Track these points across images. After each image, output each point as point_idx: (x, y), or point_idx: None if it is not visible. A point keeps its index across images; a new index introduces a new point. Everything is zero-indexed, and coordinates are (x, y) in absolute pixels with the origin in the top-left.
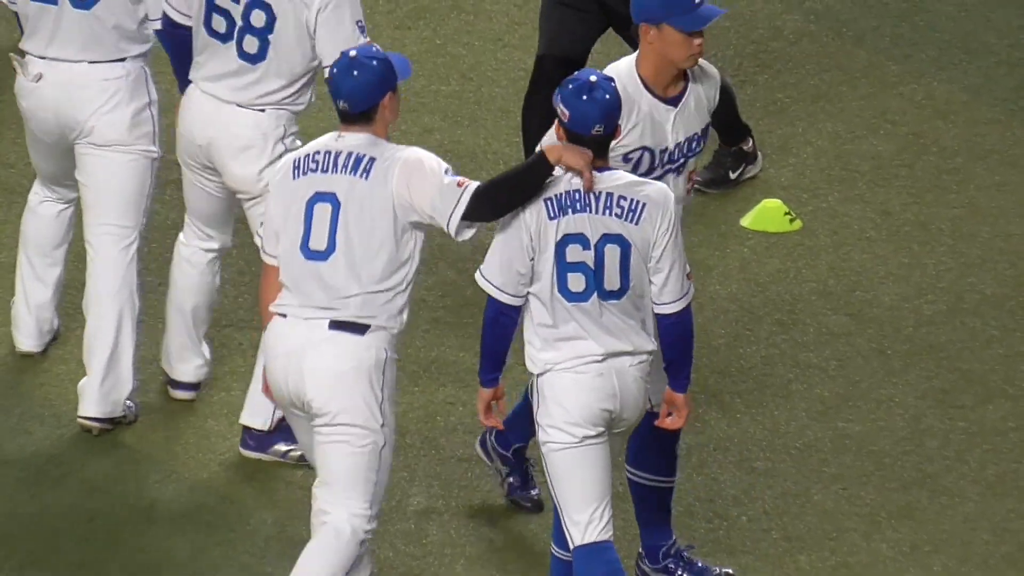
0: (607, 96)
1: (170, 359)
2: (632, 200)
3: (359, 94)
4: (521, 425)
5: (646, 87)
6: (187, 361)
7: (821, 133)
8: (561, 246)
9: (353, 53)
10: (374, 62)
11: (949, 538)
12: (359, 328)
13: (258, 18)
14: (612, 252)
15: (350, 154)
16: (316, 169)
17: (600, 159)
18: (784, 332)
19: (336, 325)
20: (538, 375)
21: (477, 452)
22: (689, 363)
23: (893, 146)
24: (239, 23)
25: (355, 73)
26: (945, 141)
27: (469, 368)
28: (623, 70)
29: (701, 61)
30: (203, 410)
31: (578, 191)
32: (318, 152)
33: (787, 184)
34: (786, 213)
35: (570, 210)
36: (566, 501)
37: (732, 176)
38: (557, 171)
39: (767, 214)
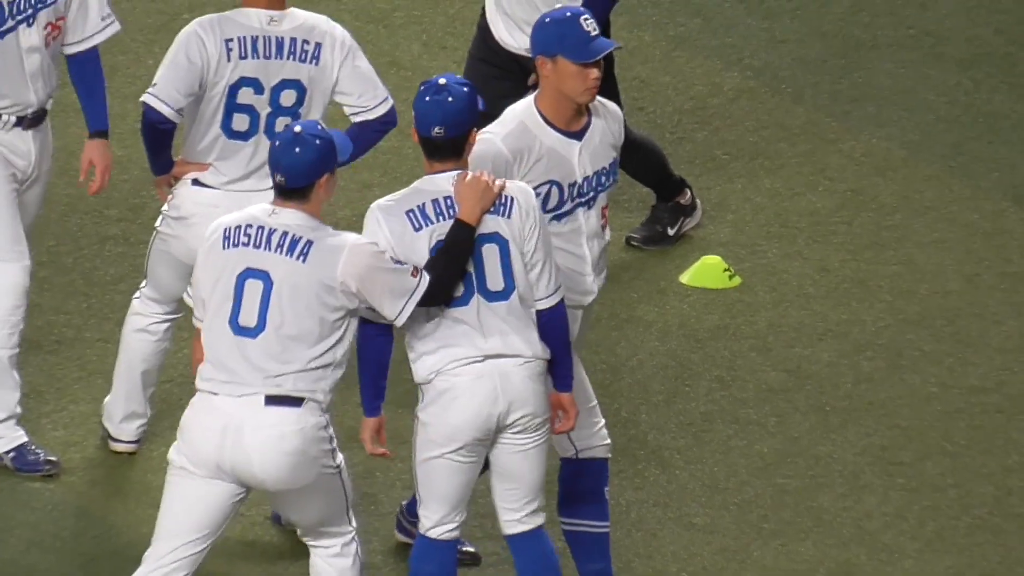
0: (449, 99)
1: (113, 419)
2: (503, 196)
3: (298, 171)
4: None
5: (547, 122)
6: (131, 421)
7: (760, 190)
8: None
9: (298, 129)
10: (317, 141)
11: None
12: (295, 401)
13: (288, 97)
14: (491, 251)
15: (285, 233)
16: (248, 243)
17: (449, 165)
18: (723, 388)
19: (272, 400)
20: (422, 384)
21: (400, 539)
22: (570, 360)
23: (832, 203)
24: (266, 110)
25: (296, 150)
26: (884, 198)
27: (407, 425)
28: (521, 108)
29: (603, 100)
30: (143, 465)
31: (448, 198)
32: (250, 225)
33: (726, 240)
34: (725, 270)
35: (440, 217)
36: (428, 496)
37: (670, 232)
38: (444, 180)
39: (706, 271)
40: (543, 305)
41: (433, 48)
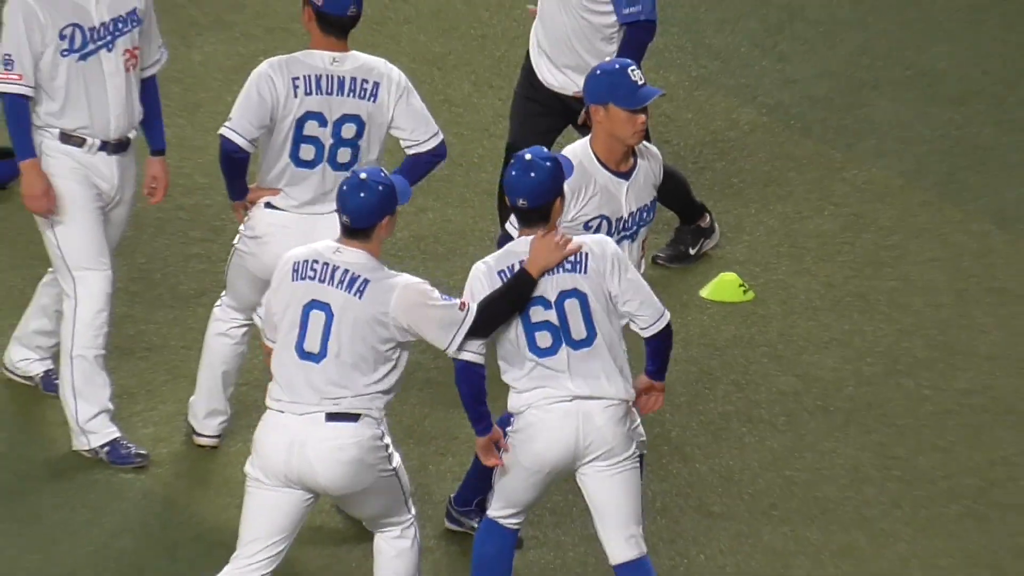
0: (532, 174)
1: (197, 415)
2: (578, 254)
3: (361, 213)
4: (476, 484)
5: (600, 163)
6: (213, 418)
7: (772, 214)
8: (525, 310)
9: (363, 176)
10: (379, 187)
11: (885, 574)
12: (352, 417)
13: (348, 130)
14: (572, 305)
15: (347, 271)
16: (315, 278)
17: (540, 227)
18: (739, 391)
19: (331, 417)
20: (514, 412)
21: (448, 527)
22: (665, 366)
23: (836, 225)
24: (330, 141)
25: (361, 195)
26: (883, 221)
27: (457, 423)
28: (579, 149)
29: (646, 143)
30: (223, 459)
31: (524, 258)
32: (316, 261)
33: (742, 259)
34: (740, 285)
35: None
36: (501, 494)
37: (692, 252)
38: (527, 243)
39: (724, 286)
40: (647, 334)
41: (482, 87)
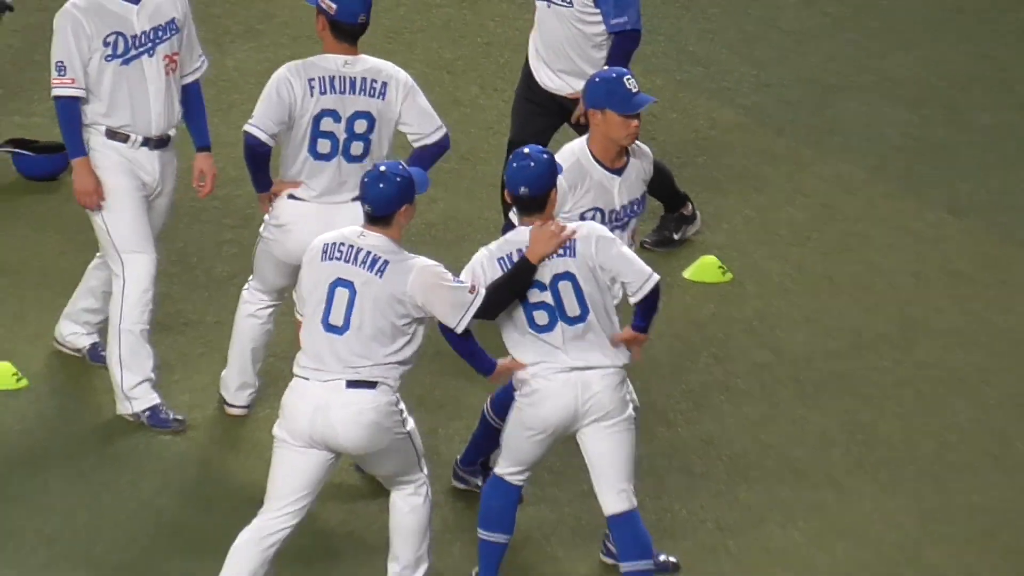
0: (531, 164)
1: (229, 388)
2: (570, 242)
3: (381, 203)
4: (480, 446)
5: (596, 160)
6: (243, 390)
7: (749, 204)
8: (522, 293)
9: (383, 168)
10: (397, 179)
11: (850, 528)
12: (371, 384)
13: (360, 126)
14: (566, 286)
15: (369, 253)
16: (340, 258)
17: (536, 218)
18: (718, 364)
19: (351, 384)
20: (522, 379)
21: (456, 486)
22: (650, 320)
23: (807, 214)
24: (343, 135)
25: (381, 185)
26: (848, 211)
27: (464, 391)
28: (577, 148)
29: (639, 143)
30: (253, 424)
31: (526, 247)
32: (343, 244)
33: (721, 244)
34: (720, 267)
35: None
36: (508, 453)
37: (675, 237)
38: (526, 233)
39: (705, 268)
40: (637, 298)
41: (487, 90)
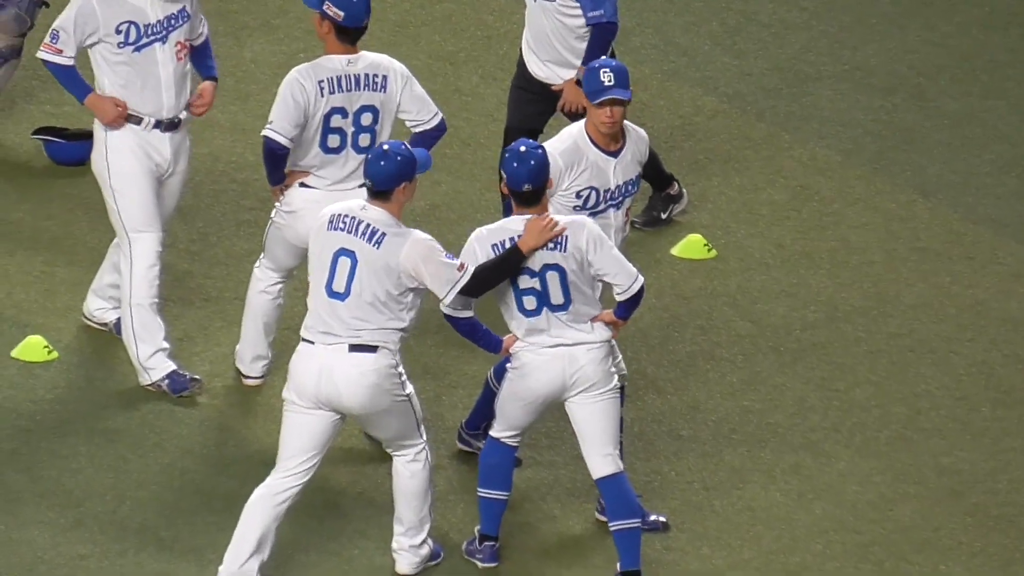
0: (532, 162)
1: (244, 361)
2: (561, 236)
3: (380, 179)
4: (484, 411)
5: (592, 142)
6: (258, 362)
7: (731, 185)
8: (513, 277)
9: (386, 147)
10: (398, 158)
11: (827, 489)
12: (371, 348)
13: (366, 119)
14: (553, 276)
15: (369, 225)
16: (344, 229)
17: (534, 208)
18: (703, 334)
19: (353, 348)
20: (515, 351)
21: (460, 447)
22: (630, 313)
23: (785, 195)
24: (351, 129)
25: (382, 163)
26: (824, 192)
27: (467, 360)
28: (575, 130)
29: (635, 127)
30: (268, 392)
31: (519, 236)
32: (347, 216)
33: (706, 223)
34: (705, 245)
35: None
36: (502, 417)
37: (663, 216)
38: (520, 222)
39: (691, 245)
40: (623, 297)
41: (487, 80)
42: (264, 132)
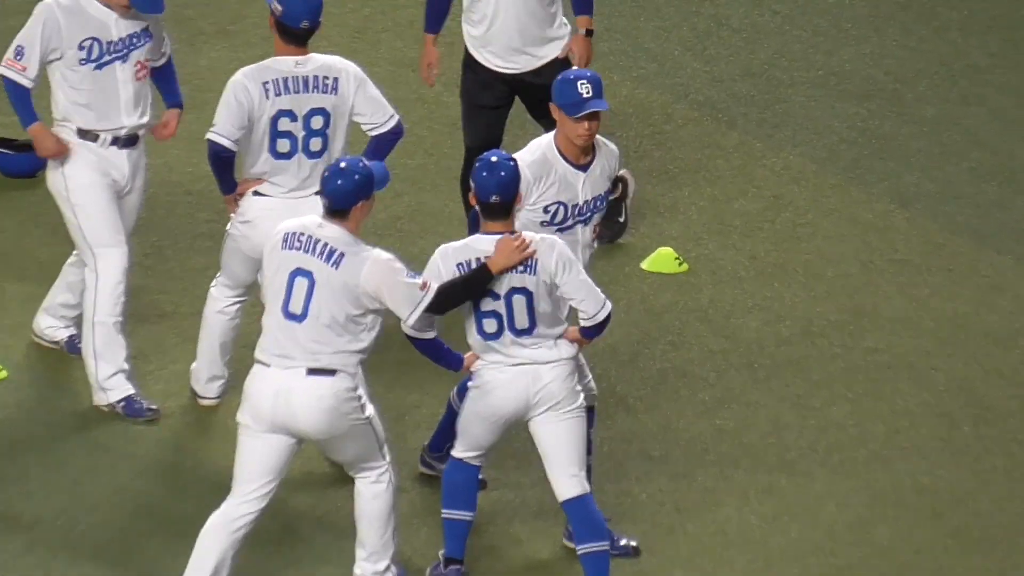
0: (502, 172)
1: (200, 380)
2: (532, 259)
3: (337, 196)
4: (448, 432)
5: (561, 155)
6: (214, 382)
7: (703, 196)
8: (476, 299)
9: (343, 164)
10: (355, 175)
11: (803, 510)
12: (330, 372)
13: (317, 122)
14: (519, 300)
15: (326, 244)
16: (300, 248)
17: (502, 222)
18: (674, 350)
19: (311, 371)
20: (476, 369)
21: (423, 471)
22: (594, 336)
23: (758, 205)
24: (301, 133)
25: (338, 181)
26: (799, 202)
27: (431, 378)
28: (544, 143)
29: (605, 141)
30: (224, 412)
31: (486, 256)
32: (302, 234)
33: (676, 235)
34: (676, 258)
35: None
36: (463, 436)
37: (623, 219)
38: (488, 242)
39: (661, 259)
40: (589, 324)
41: (451, 87)
42: (207, 135)
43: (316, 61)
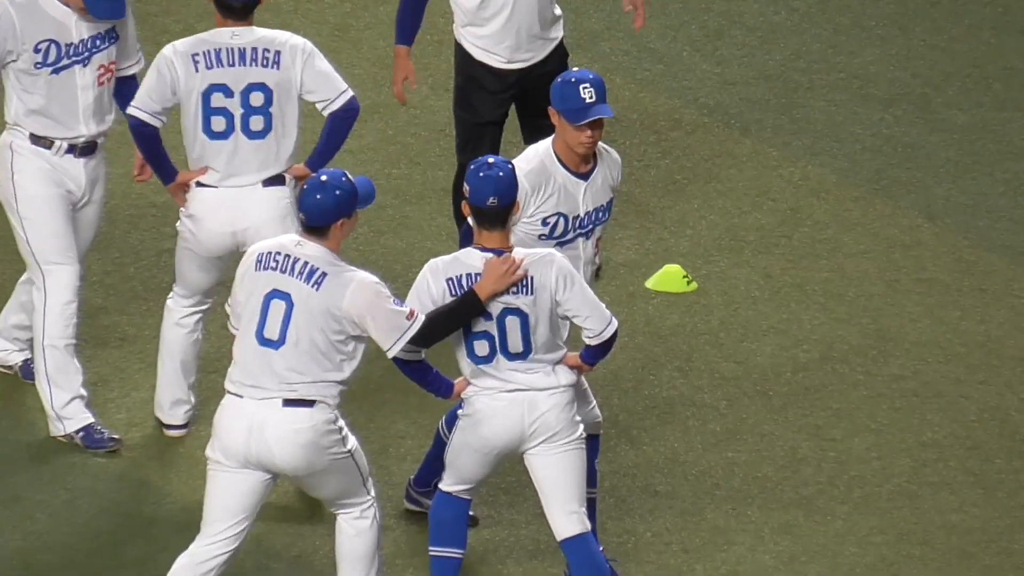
0: (500, 174)
1: (163, 407)
2: (526, 278)
3: (316, 212)
4: (435, 466)
5: (561, 163)
6: (178, 407)
7: (713, 208)
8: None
9: (324, 178)
10: (337, 191)
11: (822, 550)
12: (308, 403)
13: (257, 99)
14: (513, 322)
15: (306, 263)
16: (276, 268)
17: (497, 232)
18: (682, 376)
19: (288, 403)
20: (467, 397)
21: (409, 508)
22: (598, 359)
23: (774, 219)
24: (240, 111)
25: (318, 196)
26: (818, 215)
27: (417, 407)
28: (542, 149)
29: (608, 148)
30: (192, 443)
31: (477, 274)
32: (279, 253)
33: (685, 252)
34: (684, 276)
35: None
36: (452, 468)
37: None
38: (479, 258)
39: (668, 277)
40: (594, 343)
41: (438, 90)
42: (127, 110)
43: (256, 33)
